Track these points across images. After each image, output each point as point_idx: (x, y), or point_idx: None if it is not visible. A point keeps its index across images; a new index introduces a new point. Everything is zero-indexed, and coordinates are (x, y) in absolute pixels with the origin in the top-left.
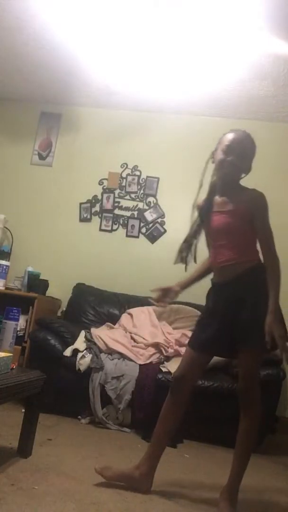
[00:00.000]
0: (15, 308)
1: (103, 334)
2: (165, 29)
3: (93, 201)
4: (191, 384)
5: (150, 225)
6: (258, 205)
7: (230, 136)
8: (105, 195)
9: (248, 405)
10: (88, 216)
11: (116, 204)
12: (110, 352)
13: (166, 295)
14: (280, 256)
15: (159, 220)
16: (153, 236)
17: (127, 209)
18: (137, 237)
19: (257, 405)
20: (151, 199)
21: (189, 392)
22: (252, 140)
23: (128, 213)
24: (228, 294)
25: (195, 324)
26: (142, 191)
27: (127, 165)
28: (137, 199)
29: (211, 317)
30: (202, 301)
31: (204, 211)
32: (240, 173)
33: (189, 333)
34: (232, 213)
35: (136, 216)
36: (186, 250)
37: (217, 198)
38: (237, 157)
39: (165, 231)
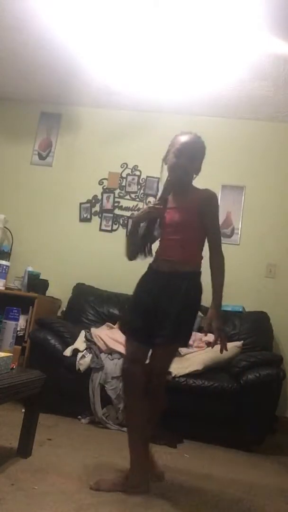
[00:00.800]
0: (15, 308)
1: (103, 334)
2: (165, 29)
3: (93, 201)
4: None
5: None
6: (210, 203)
7: (181, 139)
8: (105, 195)
9: (158, 397)
10: (88, 216)
11: (116, 204)
12: (110, 352)
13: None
14: (274, 251)
15: (159, 220)
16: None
17: (127, 209)
18: None
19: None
20: (151, 199)
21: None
22: (202, 142)
23: (128, 213)
24: (163, 284)
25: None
26: (142, 191)
27: (127, 165)
28: (137, 199)
29: (141, 302)
30: (203, 302)
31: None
32: (191, 175)
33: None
34: (184, 209)
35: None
36: (142, 246)
37: (171, 197)
38: (187, 160)
39: None
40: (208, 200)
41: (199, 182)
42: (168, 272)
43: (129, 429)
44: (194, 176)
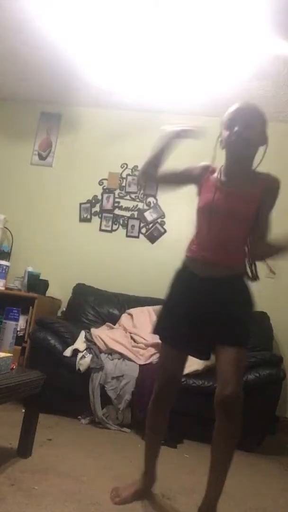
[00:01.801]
0: (15, 308)
1: (103, 334)
2: (165, 30)
3: (93, 201)
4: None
5: (150, 225)
6: (276, 194)
7: (230, 109)
8: (105, 195)
9: (238, 412)
10: (88, 216)
11: (116, 204)
12: (110, 352)
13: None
14: None
15: (159, 220)
16: (153, 236)
17: (127, 209)
18: (137, 237)
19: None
20: (151, 199)
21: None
22: (255, 107)
23: (128, 213)
24: (215, 293)
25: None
26: (142, 191)
27: (127, 165)
28: (137, 199)
29: (183, 310)
30: None
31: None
32: (252, 145)
33: None
34: (244, 195)
35: (136, 216)
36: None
37: (221, 175)
38: (243, 127)
39: (165, 231)
40: (275, 190)
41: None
42: (219, 279)
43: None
44: (260, 148)
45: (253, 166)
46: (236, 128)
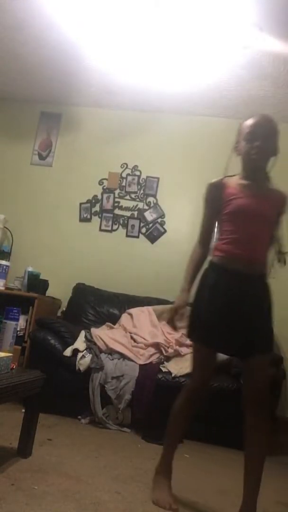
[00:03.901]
0: (15, 308)
1: (103, 334)
2: (165, 29)
3: (93, 201)
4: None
5: (150, 225)
6: (286, 204)
7: (249, 122)
8: (105, 195)
9: (266, 412)
10: (88, 216)
11: (116, 204)
12: (110, 352)
13: (179, 316)
14: None
15: (159, 220)
16: (153, 236)
17: (127, 209)
18: (137, 237)
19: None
20: (151, 199)
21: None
22: (272, 120)
23: (128, 213)
24: (247, 286)
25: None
26: (142, 191)
27: (127, 165)
28: (137, 199)
29: (220, 309)
30: None
31: (222, 191)
32: (269, 157)
33: None
34: (270, 201)
35: (136, 216)
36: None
37: (239, 182)
38: (262, 141)
39: (165, 231)
40: (286, 201)
41: (197, 182)
42: (253, 274)
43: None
44: (273, 158)
45: (266, 176)
46: (256, 143)
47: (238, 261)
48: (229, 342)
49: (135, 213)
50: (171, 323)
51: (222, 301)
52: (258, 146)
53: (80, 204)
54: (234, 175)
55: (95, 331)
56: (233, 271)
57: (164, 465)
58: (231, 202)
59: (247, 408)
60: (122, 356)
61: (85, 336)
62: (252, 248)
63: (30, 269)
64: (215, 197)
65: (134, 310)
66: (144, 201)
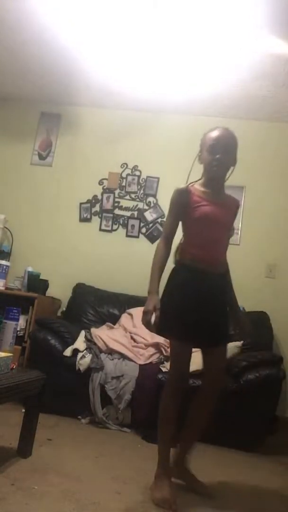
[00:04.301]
0: (15, 308)
1: (103, 334)
2: (164, 30)
3: (93, 201)
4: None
5: (150, 225)
6: (238, 209)
7: (212, 135)
8: (105, 195)
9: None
10: (88, 216)
11: (116, 204)
12: (110, 352)
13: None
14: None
15: (159, 220)
16: (153, 236)
17: (127, 209)
18: (137, 237)
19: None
20: (151, 199)
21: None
22: (233, 134)
23: (128, 213)
24: (213, 284)
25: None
26: (142, 191)
27: (127, 165)
28: (137, 199)
29: (192, 306)
30: None
31: (189, 198)
32: (228, 168)
33: None
34: (226, 207)
35: (136, 216)
36: None
37: (201, 190)
38: (223, 154)
39: None
40: (238, 206)
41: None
42: (217, 273)
43: (159, 426)
44: (232, 168)
45: (223, 184)
46: (218, 156)
47: (205, 262)
48: (200, 335)
49: (135, 213)
50: (149, 325)
51: (192, 298)
52: (219, 158)
53: (80, 204)
54: (195, 181)
55: (95, 331)
56: (201, 271)
57: (162, 466)
58: (198, 209)
59: (206, 391)
60: (122, 356)
61: (85, 336)
62: (216, 251)
63: (30, 269)
64: (182, 202)
65: (134, 310)
66: (144, 201)
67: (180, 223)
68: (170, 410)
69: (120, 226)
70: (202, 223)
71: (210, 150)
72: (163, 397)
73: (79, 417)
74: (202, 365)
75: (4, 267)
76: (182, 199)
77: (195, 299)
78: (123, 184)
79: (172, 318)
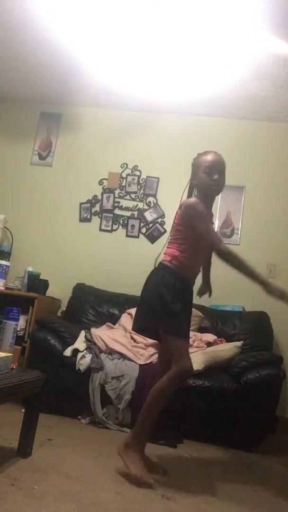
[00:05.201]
0: (15, 308)
1: (103, 334)
2: (164, 30)
3: (93, 201)
4: None
5: (150, 225)
6: None
7: (208, 158)
8: (105, 195)
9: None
10: (88, 216)
11: (116, 204)
12: (110, 352)
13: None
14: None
15: (159, 220)
16: (153, 236)
17: (127, 209)
18: (137, 237)
19: None
20: (151, 199)
21: None
22: (222, 157)
23: (128, 213)
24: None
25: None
26: (142, 191)
27: (127, 165)
28: (137, 199)
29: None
30: (201, 301)
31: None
32: (222, 189)
33: (190, 333)
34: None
35: (136, 216)
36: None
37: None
38: (219, 175)
39: (165, 231)
40: None
41: None
42: (193, 283)
43: (153, 409)
44: (223, 188)
45: None
46: (216, 177)
47: (191, 274)
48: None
49: (135, 213)
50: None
51: (182, 300)
52: (217, 179)
53: (80, 204)
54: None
55: (95, 331)
56: (187, 280)
57: (141, 440)
58: (208, 226)
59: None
60: (122, 356)
61: (85, 336)
62: (199, 266)
63: (30, 269)
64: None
65: (134, 310)
66: (144, 201)
67: (180, 232)
68: (169, 399)
69: (120, 226)
70: (203, 240)
71: (207, 171)
72: (167, 385)
73: (79, 417)
74: (201, 366)
75: (4, 267)
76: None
77: (183, 301)
78: (123, 184)
79: (181, 319)
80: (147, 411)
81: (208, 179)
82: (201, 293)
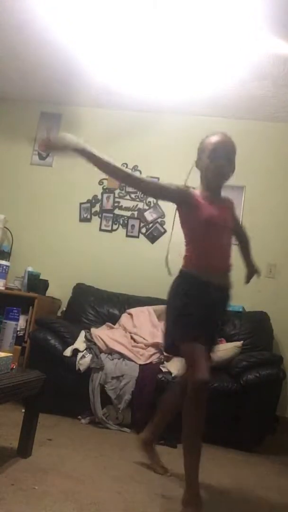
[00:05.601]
0: (15, 308)
1: (103, 334)
2: (164, 30)
3: (93, 201)
4: None
5: (150, 225)
6: (235, 209)
7: (212, 140)
8: (105, 195)
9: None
10: (88, 216)
11: (116, 204)
12: (110, 352)
13: None
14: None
15: (159, 220)
16: (153, 236)
17: (127, 209)
18: (137, 237)
19: None
20: (151, 199)
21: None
22: (232, 140)
23: (128, 213)
24: (222, 297)
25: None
26: None
27: (127, 165)
28: (137, 199)
29: (207, 313)
30: None
31: (191, 194)
32: (229, 175)
33: None
34: (226, 209)
35: (136, 216)
36: None
37: (201, 193)
38: (224, 160)
39: (165, 231)
40: (234, 208)
41: (197, 182)
42: (223, 285)
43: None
44: (230, 175)
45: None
46: (219, 162)
47: (215, 272)
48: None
49: (135, 213)
50: None
51: (197, 301)
52: (221, 165)
53: (80, 204)
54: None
55: (95, 331)
56: (201, 278)
57: (156, 433)
58: (201, 209)
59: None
60: (122, 356)
61: (85, 336)
62: (223, 257)
63: (30, 269)
64: (185, 193)
65: (134, 310)
66: (144, 201)
67: (181, 229)
68: (201, 422)
69: (120, 226)
70: (206, 227)
71: (211, 155)
72: (190, 411)
73: (79, 417)
74: None
75: (4, 267)
76: (184, 191)
77: (206, 308)
78: (123, 184)
79: (192, 323)
80: (187, 452)
81: (212, 166)
82: (248, 278)
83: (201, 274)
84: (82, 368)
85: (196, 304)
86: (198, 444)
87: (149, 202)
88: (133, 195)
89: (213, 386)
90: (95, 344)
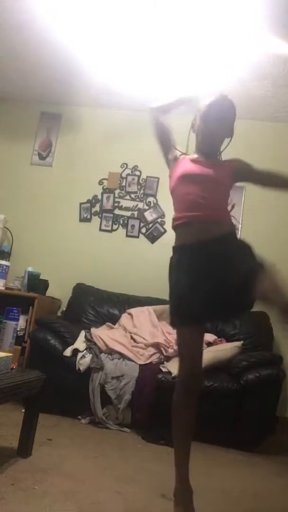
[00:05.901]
0: (15, 308)
1: (103, 334)
2: (164, 30)
3: (93, 201)
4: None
5: (150, 225)
6: (241, 161)
7: (207, 101)
8: (105, 195)
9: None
10: (88, 216)
11: (116, 204)
12: (110, 352)
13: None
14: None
15: (159, 220)
16: (153, 236)
17: (127, 209)
18: (137, 237)
19: None
20: (151, 199)
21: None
22: (230, 102)
23: (128, 213)
24: (211, 253)
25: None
26: (142, 191)
27: (127, 165)
28: (137, 199)
29: (192, 284)
30: None
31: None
32: (221, 139)
33: None
34: (214, 166)
35: (136, 216)
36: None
37: (196, 155)
38: (216, 123)
39: (165, 231)
40: (238, 160)
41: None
42: (209, 238)
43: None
44: (228, 139)
45: (218, 154)
46: (211, 125)
47: (197, 226)
48: (208, 313)
49: (135, 213)
50: None
51: (195, 276)
52: (212, 127)
53: (80, 204)
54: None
55: (95, 331)
56: (197, 240)
57: (180, 481)
58: (177, 169)
59: None
60: (122, 356)
61: (85, 336)
62: (204, 208)
63: (30, 269)
64: (173, 156)
65: (134, 310)
66: (144, 201)
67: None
68: (185, 415)
69: (120, 226)
70: (182, 182)
71: (203, 117)
72: (174, 402)
73: (79, 417)
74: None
75: (4, 267)
76: (173, 151)
77: (197, 275)
78: (123, 184)
79: (175, 307)
80: (175, 451)
81: (203, 127)
82: None
83: (180, 236)
84: (82, 368)
85: (175, 285)
86: (181, 442)
87: (149, 202)
88: (133, 195)
89: (213, 386)
90: (95, 344)
